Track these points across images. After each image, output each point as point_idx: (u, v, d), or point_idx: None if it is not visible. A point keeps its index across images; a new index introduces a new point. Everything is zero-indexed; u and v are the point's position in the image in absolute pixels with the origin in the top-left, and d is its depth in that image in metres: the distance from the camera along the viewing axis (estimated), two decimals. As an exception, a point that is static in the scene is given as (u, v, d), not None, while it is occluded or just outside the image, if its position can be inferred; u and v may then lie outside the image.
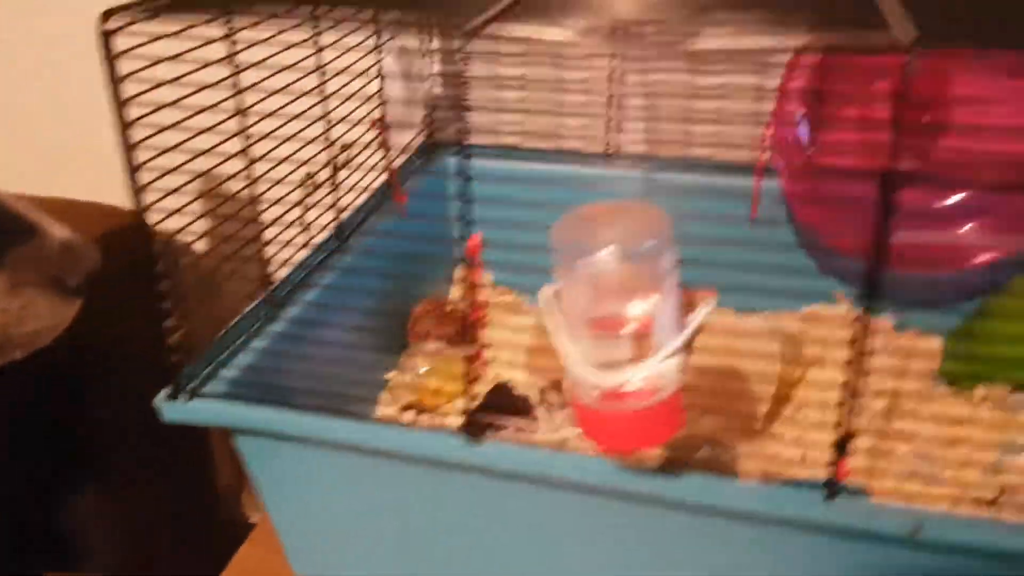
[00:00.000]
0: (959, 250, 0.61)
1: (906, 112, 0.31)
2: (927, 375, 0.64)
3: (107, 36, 0.39)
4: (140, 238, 0.88)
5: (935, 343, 0.67)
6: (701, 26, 0.56)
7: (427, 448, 0.44)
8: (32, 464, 0.78)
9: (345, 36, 0.60)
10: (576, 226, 0.35)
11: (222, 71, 0.49)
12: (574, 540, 0.46)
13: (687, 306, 0.60)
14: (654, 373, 0.36)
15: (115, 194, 0.82)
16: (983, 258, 0.59)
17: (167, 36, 0.42)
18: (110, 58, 0.39)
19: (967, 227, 0.61)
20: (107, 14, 0.39)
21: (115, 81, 0.40)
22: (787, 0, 0.35)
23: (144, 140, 0.42)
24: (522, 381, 0.62)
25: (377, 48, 0.68)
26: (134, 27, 0.40)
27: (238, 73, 0.49)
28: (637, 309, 0.35)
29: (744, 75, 0.73)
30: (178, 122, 0.44)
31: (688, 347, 0.36)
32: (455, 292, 0.78)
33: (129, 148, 0.42)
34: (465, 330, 0.72)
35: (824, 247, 0.67)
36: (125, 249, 0.86)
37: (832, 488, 0.38)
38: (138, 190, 0.44)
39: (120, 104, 0.41)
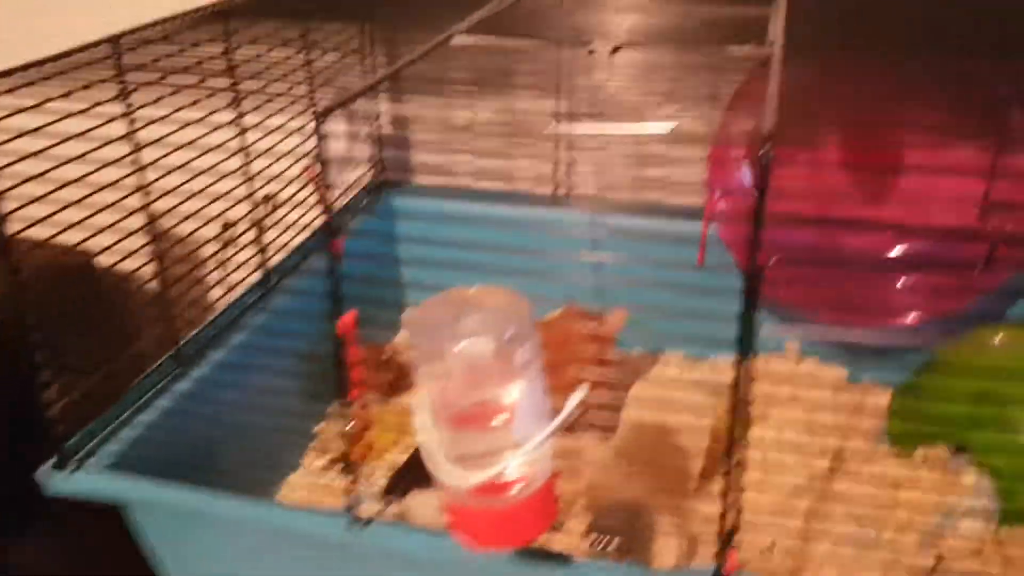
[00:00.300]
0: (899, 302, 0.58)
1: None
2: (872, 433, 0.62)
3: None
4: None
5: (884, 399, 0.64)
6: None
7: (311, 528, 0.42)
8: None
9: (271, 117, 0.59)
10: (438, 312, 0.33)
11: (119, 128, 0.47)
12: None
13: (601, 326, 0.58)
14: (523, 463, 0.34)
15: None
16: (917, 314, 0.57)
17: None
18: None
19: (906, 280, 0.59)
20: None
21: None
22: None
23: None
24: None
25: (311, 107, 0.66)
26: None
27: (134, 131, 0.48)
28: (502, 399, 0.33)
29: (692, 117, 0.71)
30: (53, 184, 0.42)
31: (559, 432, 0.34)
32: (398, 338, 0.76)
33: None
34: (404, 376, 0.71)
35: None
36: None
37: (721, 579, 0.36)
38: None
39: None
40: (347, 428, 0.64)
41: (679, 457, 0.57)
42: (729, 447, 0.34)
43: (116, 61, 0.47)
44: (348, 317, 0.39)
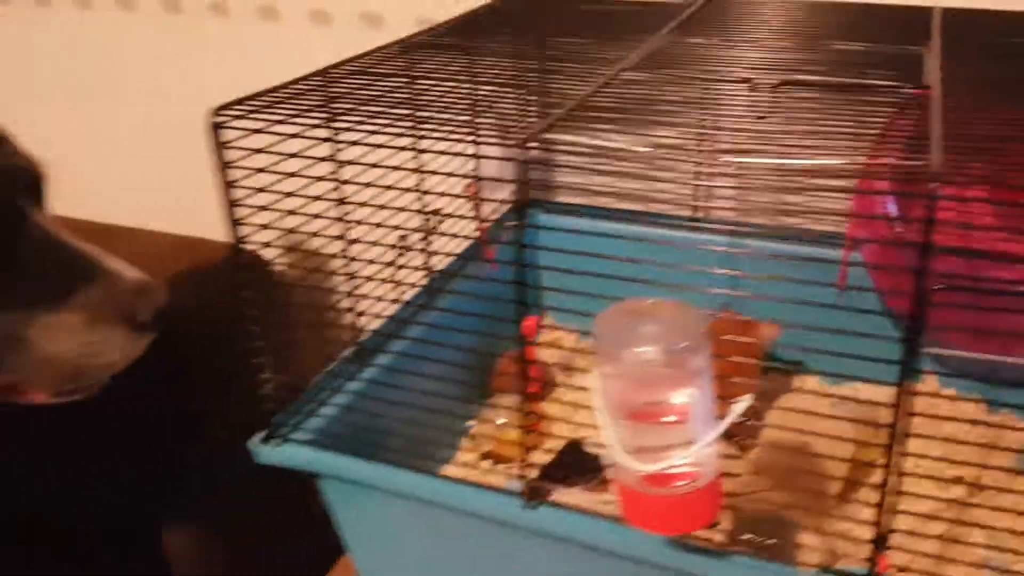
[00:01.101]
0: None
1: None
2: (1011, 463, 0.62)
3: (216, 127, 0.45)
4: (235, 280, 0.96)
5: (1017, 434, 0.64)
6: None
7: (487, 507, 0.48)
8: (129, 495, 0.87)
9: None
10: (619, 320, 0.38)
11: (324, 155, 0.54)
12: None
13: (752, 336, 0.61)
14: (694, 460, 0.38)
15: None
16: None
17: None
18: (218, 145, 0.45)
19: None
20: (218, 109, 0.45)
21: (223, 166, 0.46)
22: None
23: (243, 203, 0.48)
24: (595, 440, 0.64)
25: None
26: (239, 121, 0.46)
27: (339, 163, 0.55)
28: (675, 400, 0.37)
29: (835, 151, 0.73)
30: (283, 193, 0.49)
31: (728, 435, 0.37)
32: (544, 338, 0.81)
33: (235, 223, 0.48)
34: (547, 382, 0.76)
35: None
36: (224, 285, 0.94)
37: (871, 583, 0.39)
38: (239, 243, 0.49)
39: (227, 184, 0.46)
40: (503, 423, 0.69)
41: (817, 478, 0.59)
42: (890, 448, 0.37)
43: (324, 91, 0.54)
44: (531, 320, 0.44)
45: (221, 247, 0.94)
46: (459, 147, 0.69)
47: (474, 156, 0.74)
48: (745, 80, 0.53)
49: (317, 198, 0.52)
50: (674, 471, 0.38)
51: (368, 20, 0.84)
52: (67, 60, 0.93)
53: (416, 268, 0.69)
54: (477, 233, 0.76)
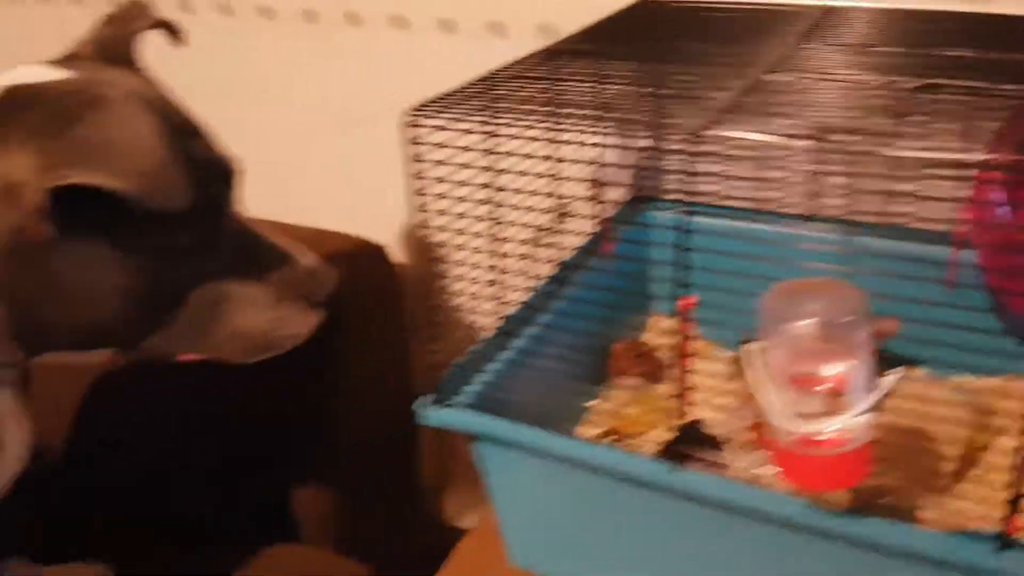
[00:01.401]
0: None
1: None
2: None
3: (411, 130, 0.51)
4: (387, 270, 1.03)
5: None
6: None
7: (636, 470, 0.53)
8: (276, 444, 0.94)
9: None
10: (784, 296, 0.43)
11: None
12: (753, 566, 0.53)
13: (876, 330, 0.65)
14: (846, 427, 0.42)
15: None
16: None
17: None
18: (410, 142, 0.51)
19: None
20: (414, 111, 0.51)
21: (414, 160, 0.52)
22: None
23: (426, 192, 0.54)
24: (711, 420, 0.69)
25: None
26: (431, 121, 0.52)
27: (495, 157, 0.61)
28: (833, 371, 0.42)
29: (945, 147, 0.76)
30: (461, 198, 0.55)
31: (878, 407, 0.42)
32: (648, 335, 0.86)
33: (420, 209, 0.54)
34: (659, 369, 0.81)
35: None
36: (373, 277, 1.02)
37: (1003, 541, 0.43)
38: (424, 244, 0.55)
39: (415, 177, 0.53)
40: (620, 402, 0.74)
41: (931, 459, 0.63)
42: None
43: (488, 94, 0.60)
44: (689, 300, 0.49)
45: (345, 238, 1.01)
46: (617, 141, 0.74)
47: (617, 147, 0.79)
48: (885, 84, 0.57)
49: (484, 186, 0.58)
50: (827, 436, 0.43)
51: (493, 28, 0.90)
52: (208, 64, 1.01)
53: (547, 260, 0.74)
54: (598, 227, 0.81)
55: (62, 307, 0.56)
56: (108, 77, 0.58)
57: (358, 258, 0.99)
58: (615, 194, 0.87)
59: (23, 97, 0.54)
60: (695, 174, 0.50)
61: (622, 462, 0.54)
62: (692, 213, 0.70)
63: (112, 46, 0.62)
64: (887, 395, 0.42)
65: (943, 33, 0.72)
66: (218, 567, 0.86)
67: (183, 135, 0.56)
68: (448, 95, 0.54)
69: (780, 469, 0.45)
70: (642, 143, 0.80)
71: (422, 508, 1.18)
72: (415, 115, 0.52)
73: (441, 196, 0.55)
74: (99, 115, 0.51)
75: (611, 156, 0.84)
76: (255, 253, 0.60)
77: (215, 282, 0.58)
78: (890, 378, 0.43)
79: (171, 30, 0.65)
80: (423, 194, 0.54)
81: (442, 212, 0.55)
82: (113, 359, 0.72)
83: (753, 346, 0.45)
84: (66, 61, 0.60)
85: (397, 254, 1.05)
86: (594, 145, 0.73)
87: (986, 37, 0.69)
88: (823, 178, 0.82)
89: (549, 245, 0.75)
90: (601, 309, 0.76)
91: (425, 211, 0.55)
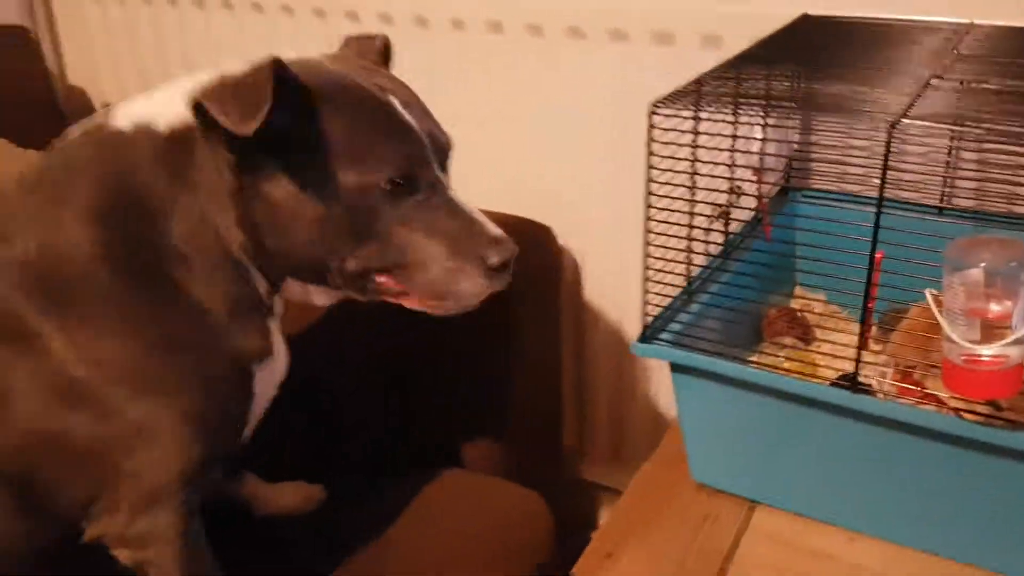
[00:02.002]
0: None
1: None
2: None
3: (651, 121, 0.66)
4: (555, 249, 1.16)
5: None
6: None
7: (823, 394, 0.66)
8: (454, 392, 1.09)
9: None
10: (961, 247, 0.56)
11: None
12: (914, 478, 0.66)
13: None
14: (1003, 351, 0.55)
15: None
16: None
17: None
18: (650, 142, 0.66)
19: None
20: (655, 105, 0.66)
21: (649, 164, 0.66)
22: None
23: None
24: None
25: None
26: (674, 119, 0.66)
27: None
28: (996, 307, 0.55)
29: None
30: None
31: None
32: (795, 303, 0.99)
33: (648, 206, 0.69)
34: (809, 332, 0.93)
35: None
36: (541, 255, 1.17)
37: None
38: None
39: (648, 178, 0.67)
40: (779, 357, 0.87)
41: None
42: None
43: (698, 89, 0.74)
44: (879, 255, 0.62)
45: (525, 220, 1.16)
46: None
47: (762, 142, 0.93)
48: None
49: (694, 172, 0.72)
50: (988, 357, 0.56)
51: (659, 38, 1.04)
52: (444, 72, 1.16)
53: (723, 232, 0.88)
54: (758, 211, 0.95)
55: (277, 234, 0.67)
56: (338, 66, 0.71)
57: (529, 237, 1.15)
58: (772, 182, 1.00)
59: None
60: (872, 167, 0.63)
61: (809, 389, 0.67)
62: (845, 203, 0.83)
63: (364, 52, 0.78)
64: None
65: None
66: (402, 489, 1.01)
67: (412, 109, 0.70)
68: (677, 92, 0.68)
69: (946, 383, 0.58)
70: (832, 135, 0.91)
71: (562, 464, 1.33)
72: (655, 107, 0.66)
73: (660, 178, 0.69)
74: (242, 74, 0.62)
75: (772, 151, 0.97)
76: (448, 212, 0.69)
77: (406, 226, 0.67)
78: (1042, 315, 0.55)
79: (386, 50, 0.79)
80: (652, 170, 0.69)
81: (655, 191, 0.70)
82: (336, 299, 0.84)
83: (928, 291, 0.59)
84: (336, 60, 0.74)
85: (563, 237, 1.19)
86: (776, 137, 0.86)
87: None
88: (956, 173, 0.94)
89: (724, 222, 0.88)
90: (758, 281, 0.89)
91: (652, 184, 0.69)
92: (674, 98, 0.69)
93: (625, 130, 1.08)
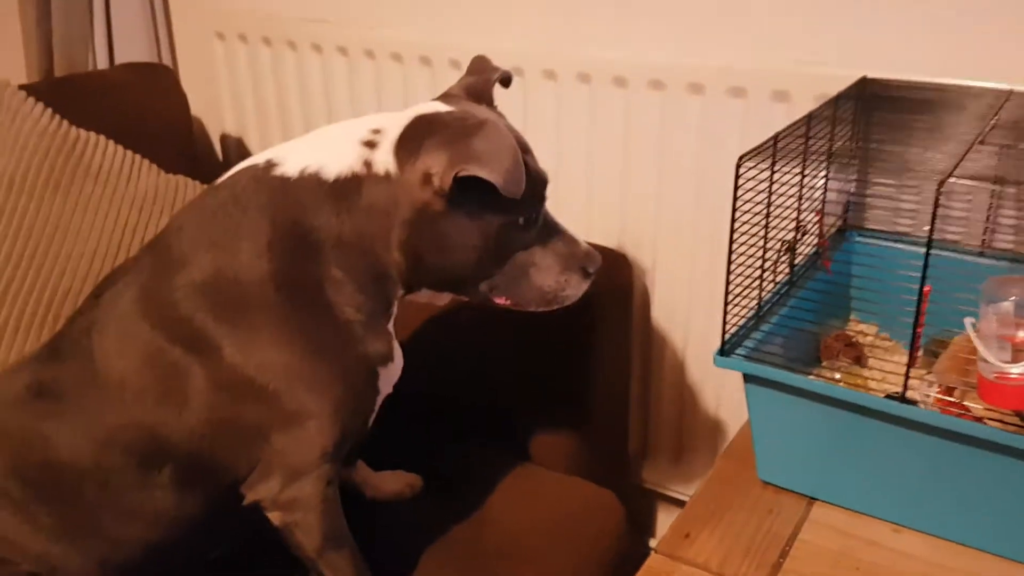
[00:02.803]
0: None
1: None
2: None
3: (738, 171, 0.80)
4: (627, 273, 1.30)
5: None
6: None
7: (878, 404, 0.79)
8: (538, 392, 1.23)
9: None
10: (995, 284, 0.68)
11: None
12: (959, 482, 0.78)
13: None
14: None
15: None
16: None
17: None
18: (736, 188, 0.80)
19: None
20: (741, 158, 0.80)
21: (735, 206, 0.80)
22: None
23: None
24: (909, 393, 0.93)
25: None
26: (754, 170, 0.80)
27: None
28: (1022, 333, 0.67)
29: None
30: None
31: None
32: (850, 329, 1.11)
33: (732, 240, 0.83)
34: (862, 355, 1.06)
35: None
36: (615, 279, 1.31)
37: None
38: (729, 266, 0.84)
39: (733, 217, 0.81)
40: (835, 377, 1.00)
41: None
42: None
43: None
44: (927, 288, 0.75)
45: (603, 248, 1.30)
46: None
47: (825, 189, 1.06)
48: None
49: (768, 214, 0.85)
50: (1016, 374, 0.68)
51: (734, 91, 1.18)
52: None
53: (789, 265, 1.01)
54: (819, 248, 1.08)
55: (438, 257, 0.81)
56: (476, 110, 0.86)
57: (609, 263, 1.29)
58: (831, 222, 1.13)
59: (427, 121, 0.80)
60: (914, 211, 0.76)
61: (864, 399, 0.80)
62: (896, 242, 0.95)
63: (476, 89, 0.91)
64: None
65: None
66: (490, 480, 1.14)
67: (523, 151, 0.83)
68: (758, 148, 0.83)
69: (980, 394, 0.71)
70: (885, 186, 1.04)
71: (627, 468, 1.46)
72: (741, 160, 0.80)
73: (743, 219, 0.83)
74: (483, 132, 0.76)
75: (833, 195, 1.10)
76: (553, 234, 0.86)
77: (527, 250, 0.84)
78: (1062, 342, 0.68)
79: (507, 81, 0.94)
80: (737, 212, 0.83)
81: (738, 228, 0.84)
82: (452, 301, 0.96)
83: (967, 320, 0.71)
84: (445, 98, 0.88)
85: (639, 262, 1.34)
86: (837, 185, 1.00)
87: None
88: (996, 222, 1.06)
89: (791, 256, 1.02)
90: (818, 308, 1.02)
91: (736, 224, 0.83)
92: (756, 152, 0.83)
93: (702, 175, 1.23)
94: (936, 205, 0.70)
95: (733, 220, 0.84)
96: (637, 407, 1.44)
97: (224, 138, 1.74)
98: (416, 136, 0.79)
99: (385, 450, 1.16)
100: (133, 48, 1.65)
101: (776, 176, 0.89)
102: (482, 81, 0.91)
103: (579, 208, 1.35)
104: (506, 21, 1.38)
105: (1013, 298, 0.67)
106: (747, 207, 0.87)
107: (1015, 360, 0.68)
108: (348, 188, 0.80)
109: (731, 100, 1.19)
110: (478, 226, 0.80)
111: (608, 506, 1.14)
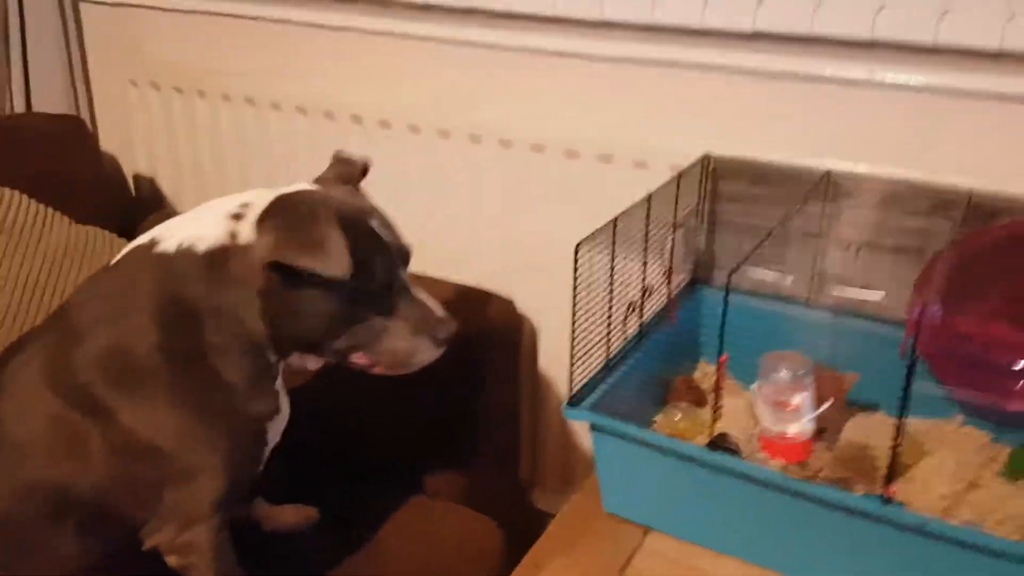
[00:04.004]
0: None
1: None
2: (995, 471, 1.03)
3: (576, 256, 0.93)
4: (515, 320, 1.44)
5: (1006, 453, 1.05)
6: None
7: (697, 453, 0.93)
8: (422, 429, 1.35)
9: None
10: (771, 359, 0.83)
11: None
12: (753, 513, 0.93)
13: (835, 383, 1.04)
14: (800, 429, 0.83)
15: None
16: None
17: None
18: (575, 270, 0.93)
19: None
20: (579, 245, 0.93)
21: (575, 284, 0.94)
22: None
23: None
24: (734, 435, 1.09)
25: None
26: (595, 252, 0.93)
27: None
28: (794, 399, 0.82)
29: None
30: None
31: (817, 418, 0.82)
32: (697, 374, 1.26)
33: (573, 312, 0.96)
34: (703, 398, 1.20)
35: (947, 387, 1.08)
36: (503, 322, 1.44)
37: (885, 500, 0.83)
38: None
39: (574, 293, 0.94)
40: (676, 418, 1.14)
41: (872, 462, 1.01)
42: (896, 438, 0.81)
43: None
44: (724, 357, 0.90)
45: (490, 295, 1.43)
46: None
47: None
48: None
49: (611, 282, 0.99)
50: (790, 433, 0.83)
51: (603, 158, 1.32)
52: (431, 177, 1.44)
53: (638, 321, 1.16)
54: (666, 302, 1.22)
55: (291, 324, 0.89)
56: (337, 195, 0.92)
57: (496, 307, 1.42)
58: (681, 278, 1.28)
59: (282, 202, 0.88)
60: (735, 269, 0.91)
61: (684, 448, 0.94)
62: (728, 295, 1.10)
63: (345, 174, 0.98)
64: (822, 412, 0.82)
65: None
66: (379, 511, 1.25)
67: (384, 226, 0.91)
68: (598, 231, 0.96)
69: (766, 450, 0.85)
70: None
71: (521, 499, 1.59)
72: (579, 247, 0.94)
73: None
74: (310, 222, 0.83)
75: (680, 254, 1.25)
76: (410, 301, 0.92)
77: (383, 316, 0.92)
78: (825, 405, 0.83)
79: (365, 172, 1.03)
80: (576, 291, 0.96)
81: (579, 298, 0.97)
82: (323, 366, 1.04)
83: (755, 385, 0.86)
84: (317, 181, 0.97)
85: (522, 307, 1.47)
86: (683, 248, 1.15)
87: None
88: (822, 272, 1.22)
89: (639, 313, 1.16)
90: (667, 355, 1.17)
91: (579, 299, 0.97)
92: (595, 236, 0.96)
93: (578, 230, 1.36)
94: (728, 290, 0.85)
95: (575, 296, 0.97)
96: (528, 438, 1.57)
97: (137, 179, 1.81)
98: (267, 215, 0.88)
99: (283, 486, 1.25)
100: (50, 92, 1.71)
101: (621, 251, 1.03)
102: (349, 169, 1.00)
103: (470, 258, 1.48)
104: (405, 81, 1.50)
105: (784, 371, 0.82)
106: (593, 278, 1.00)
107: (788, 421, 0.82)
108: (218, 260, 0.87)
109: (601, 165, 1.33)
110: (323, 296, 0.87)
111: (489, 533, 1.27)
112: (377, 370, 0.97)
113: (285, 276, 0.86)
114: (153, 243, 0.92)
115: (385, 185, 1.03)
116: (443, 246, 1.47)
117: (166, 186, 1.79)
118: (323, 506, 1.24)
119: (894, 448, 0.82)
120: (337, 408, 1.35)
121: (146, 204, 1.81)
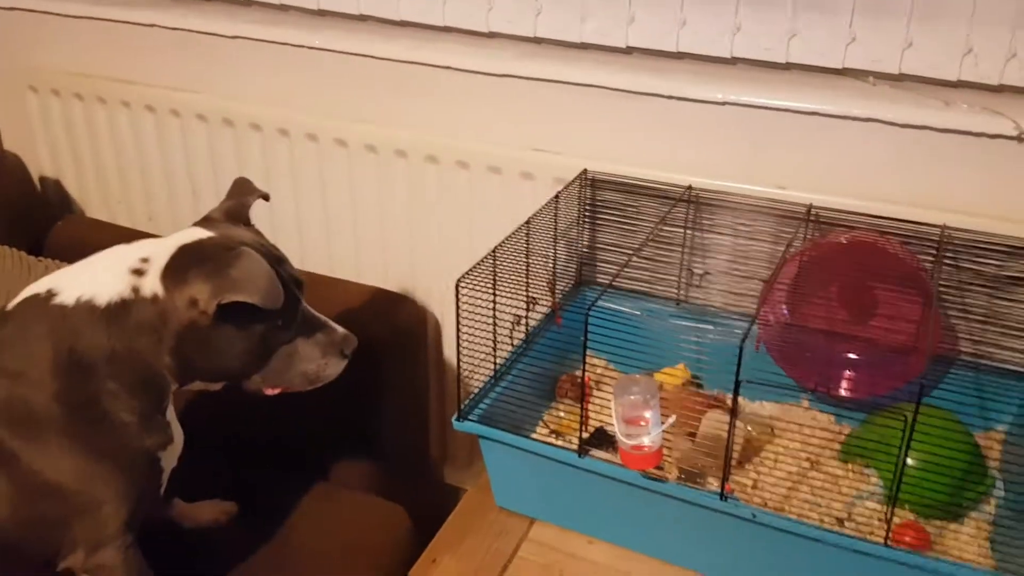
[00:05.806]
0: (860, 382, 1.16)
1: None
2: (835, 451, 1.19)
3: (457, 292, 1.02)
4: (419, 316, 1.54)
5: (846, 432, 1.21)
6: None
7: (561, 455, 1.05)
8: (337, 422, 1.44)
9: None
10: (624, 381, 0.95)
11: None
12: (620, 509, 1.06)
13: (708, 404, 1.18)
14: (650, 440, 0.95)
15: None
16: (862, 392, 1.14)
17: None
18: (457, 303, 1.02)
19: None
20: (459, 280, 1.03)
21: (458, 315, 1.03)
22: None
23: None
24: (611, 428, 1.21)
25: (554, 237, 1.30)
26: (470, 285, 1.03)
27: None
28: (644, 414, 0.95)
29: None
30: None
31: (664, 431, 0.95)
32: (578, 372, 1.38)
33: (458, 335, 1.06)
34: (588, 394, 1.33)
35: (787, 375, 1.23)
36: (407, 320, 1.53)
37: (722, 495, 0.96)
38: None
39: (457, 322, 1.04)
40: (560, 414, 1.27)
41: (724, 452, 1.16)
42: (730, 430, 0.94)
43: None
44: (588, 378, 1.01)
45: (391, 294, 1.52)
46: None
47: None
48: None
49: (495, 300, 1.09)
50: (643, 444, 0.96)
51: (492, 170, 1.41)
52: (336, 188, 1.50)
53: (525, 328, 1.26)
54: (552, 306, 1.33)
55: (207, 361, 0.96)
56: (236, 233, 0.99)
57: (398, 304, 1.51)
58: (563, 285, 1.39)
59: (191, 251, 0.95)
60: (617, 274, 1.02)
61: (556, 453, 1.06)
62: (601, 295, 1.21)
63: (234, 212, 1.04)
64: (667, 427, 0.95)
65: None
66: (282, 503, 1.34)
67: (279, 263, 0.97)
68: (477, 265, 1.05)
69: (621, 459, 0.98)
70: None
71: (431, 473, 1.71)
72: (460, 282, 1.03)
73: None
74: (240, 261, 0.91)
75: (563, 261, 1.36)
76: (312, 326, 1.01)
77: (291, 343, 1.01)
78: (669, 422, 0.96)
79: (266, 198, 1.10)
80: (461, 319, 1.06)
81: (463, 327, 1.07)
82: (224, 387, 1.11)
83: (613, 402, 0.98)
84: (205, 222, 1.01)
85: (427, 307, 1.57)
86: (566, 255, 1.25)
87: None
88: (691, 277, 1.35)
89: (525, 324, 1.27)
90: (556, 355, 1.28)
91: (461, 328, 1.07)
92: (474, 271, 1.06)
93: (473, 233, 1.46)
94: (587, 317, 0.96)
95: (458, 325, 1.07)
96: (436, 419, 1.69)
97: (43, 179, 1.82)
98: (180, 266, 0.94)
99: (199, 485, 1.33)
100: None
101: (503, 274, 1.13)
102: (239, 205, 1.06)
103: (376, 261, 1.56)
104: (302, 91, 1.55)
105: (636, 390, 0.94)
106: (477, 303, 1.10)
107: (639, 435, 0.95)
108: (118, 312, 0.94)
109: (491, 176, 1.41)
110: (242, 335, 0.95)
111: (398, 520, 1.38)
112: (287, 391, 1.06)
113: (217, 317, 0.93)
114: (51, 294, 0.97)
115: (288, 191, 1.09)
116: (350, 249, 1.55)
117: (72, 187, 1.80)
118: (233, 499, 1.30)
119: (726, 454, 0.95)
120: (244, 402, 1.42)
121: (53, 204, 1.82)
